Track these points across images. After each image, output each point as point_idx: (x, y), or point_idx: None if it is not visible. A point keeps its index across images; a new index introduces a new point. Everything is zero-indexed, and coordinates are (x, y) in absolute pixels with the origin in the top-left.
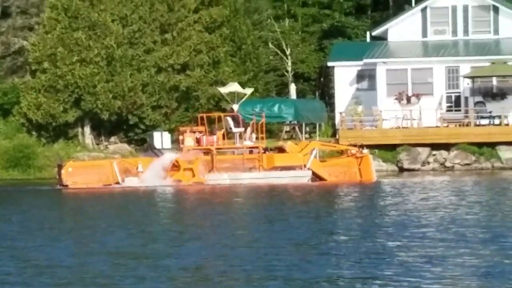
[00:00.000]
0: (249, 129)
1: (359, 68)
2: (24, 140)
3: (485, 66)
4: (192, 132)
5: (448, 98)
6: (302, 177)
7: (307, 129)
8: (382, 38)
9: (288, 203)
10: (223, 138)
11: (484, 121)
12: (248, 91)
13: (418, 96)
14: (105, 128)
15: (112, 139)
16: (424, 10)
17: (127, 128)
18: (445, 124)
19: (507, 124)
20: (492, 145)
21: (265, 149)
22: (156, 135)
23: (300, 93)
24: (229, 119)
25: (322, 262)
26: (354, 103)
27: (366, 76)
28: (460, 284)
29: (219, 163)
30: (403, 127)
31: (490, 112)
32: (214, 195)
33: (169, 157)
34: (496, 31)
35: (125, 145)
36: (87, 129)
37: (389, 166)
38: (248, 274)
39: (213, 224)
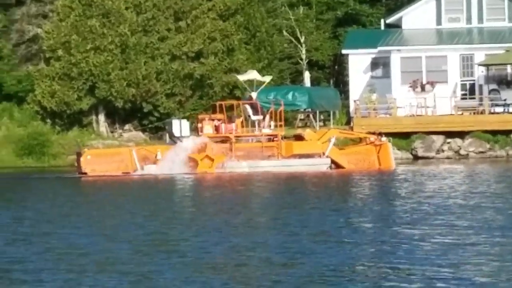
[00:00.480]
0: (267, 117)
1: (374, 56)
2: (38, 128)
3: (499, 53)
4: (210, 120)
5: (463, 86)
6: (320, 165)
7: (321, 117)
8: (397, 25)
9: (308, 190)
10: (242, 126)
11: (499, 109)
12: (267, 78)
13: (432, 84)
14: (119, 116)
15: (127, 127)
16: None
17: (141, 116)
18: (460, 112)
19: None
20: (507, 133)
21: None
22: (175, 122)
23: (315, 81)
24: (248, 106)
25: (345, 249)
26: (369, 91)
27: (380, 64)
28: (483, 270)
29: (238, 150)
30: (417, 115)
31: (504, 100)
32: (233, 183)
33: (186, 144)
34: (510, 19)
35: (140, 133)
36: (101, 117)
37: (403, 154)
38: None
39: (232, 211)
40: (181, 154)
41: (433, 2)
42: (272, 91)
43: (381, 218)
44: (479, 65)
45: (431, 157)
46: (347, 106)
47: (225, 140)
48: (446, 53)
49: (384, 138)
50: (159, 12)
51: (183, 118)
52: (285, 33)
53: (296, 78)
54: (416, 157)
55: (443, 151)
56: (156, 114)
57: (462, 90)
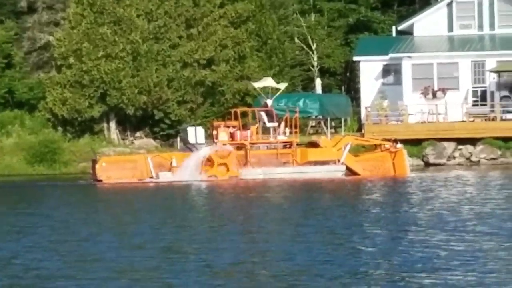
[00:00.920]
0: (282, 124)
1: (385, 62)
2: (49, 135)
3: (511, 60)
4: (226, 127)
5: (474, 93)
6: (336, 172)
7: (333, 124)
8: (408, 32)
9: (325, 197)
10: (257, 133)
11: (510, 116)
12: (282, 85)
13: (444, 90)
14: (130, 123)
15: (138, 134)
16: (450, 4)
17: (152, 123)
18: (471, 119)
19: None
20: None
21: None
22: (190, 130)
23: (326, 88)
24: (263, 113)
25: (367, 254)
26: (380, 97)
27: (392, 70)
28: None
29: (253, 157)
30: (428, 122)
31: None
32: (249, 190)
33: (203, 152)
34: None
35: (151, 140)
36: (113, 124)
37: (414, 160)
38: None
39: (249, 218)
40: (196, 161)
41: (444, 9)
42: (283, 98)
43: (401, 224)
44: (491, 71)
45: (442, 163)
46: (359, 113)
47: (240, 147)
48: (458, 60)
49: (399, 145)
50: (170, 20)
51: (194, 125)
52: (296, 40)
53: (308, 85)
54: (427, 164)
55: (454, 157)
56: (168, 121)
57: (473, 96)
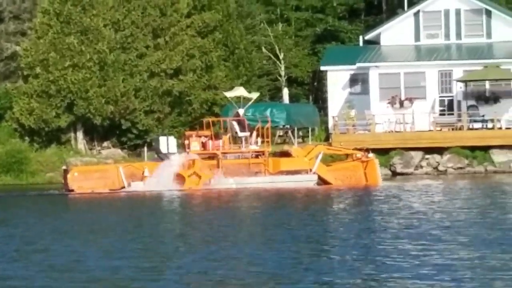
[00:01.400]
0: (254, 133)
1: (352, 72)
2: (16, 145)
3: (478, 70)
4: (198, 137)
5: (441, 102)
6: (308, 181)
7: (300, 133)
8: (375, 42)
9: (296, 207)
10: (229, 143)
11: (477, 125)
12: (254, 95)
13: (411, 100)
14: (97, 133)
15: (105, 144)
16: (416, 14)
17: (119, 133)
18: (438, 128)
19: (500, 128)
20: (485, 148)
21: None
22: (162, 139)
23: (294, 98)
24: (235, 123)
25: (336, 262)
26: (347, 107)
27: (359, 80)
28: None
29: (225, 167)
30: (396, 131)
31: (483, 116)
32: (220, 200)
33: (175, 161)
34: (488, 35)
35: (118, 150)
36: (80, 134)
37: (382, 170)
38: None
39: (222, 228)
40: (168, 171)
41: (411, 19)
42: (250, 107)
43: (371, 233)
44: (458, 81)
45: (410, 173)
46: (326, 123)
47: (212, 156)
48: (425, 69)
49: (371, 155)
50: (137, 30)
51: (162, 135)
52: (264, 49)
53: (275, 94)
54: (394, 173)
55: (421, 167)
56: (135, 131)
57: (440, 106)
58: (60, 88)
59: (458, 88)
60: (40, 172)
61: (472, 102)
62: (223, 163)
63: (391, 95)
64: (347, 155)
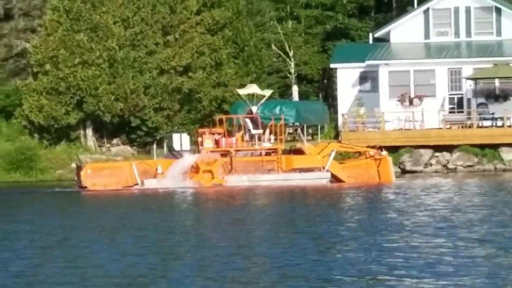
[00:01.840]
0: (267, 131)
1: (362, 69)
2: (26, 143)
3: (487, 67)
4: (211, 134)
5: (451, 100)
6: (321, 179)
7: (310, 131)
8: (385, 39)
9: (309, 204)
10: (242, 140)
11: (487, 123)
12: (267, 92)
13: (420, 97)
14: (107, 130)
15: (115, 141)
16: (426, 11)
17: (129, 130)
18: (448, 126)
19: (510, 126)
20: (495, 146)
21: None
22: (175, 136)
23: (303, 95)
24: (248, 120)
25: (353, 260)
26: (357, 104)
27: (368, 77)
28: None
29: (238, 164)
30: (405, 129)
31: (492, 114)
32: (233, 197)
33: (188, 159)
34: (498, 33)
35: (128, 147)
36: (89, 131)
37: None
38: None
39: (230, 225)
40: (182, 168)
41: (421, 16)
42: (259, 105)
43: (388, 229)
44: (467, 79)
45: (419, 171)
46: (336, 120)
47: (225, 154)
48: (434, 67)
49: (384, 152)
50: (147, 27)
51: (175, 132)
52: (273, 47)
53: (285, 92)
54: (404, 171)
55: (431, 165)
56: (144, 128)
57: (450, 104)
58: (70, 85)
59: (467, 86)
60: (50, 169)
61: (481, 100)
62: (236, 161)
63: (401, 93)
64: (360, 153)
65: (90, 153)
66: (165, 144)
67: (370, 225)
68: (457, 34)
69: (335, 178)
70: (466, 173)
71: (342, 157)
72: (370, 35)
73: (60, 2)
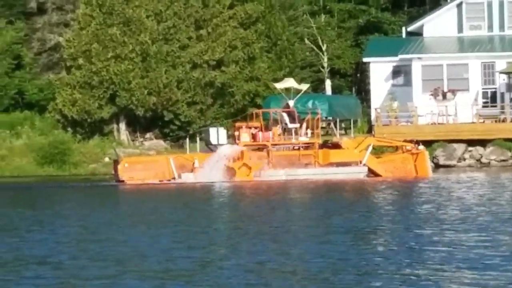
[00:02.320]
0: (304, 125)
1: (395, 64)
2: (59, 137)
3: None
4: (248, 128)
5: (484, 94)
6: (358, 173)
7: (343, 125)
8: (418, 33)
9: (347, 198)
10: (279, 134)
11: None
12: (304, 86)
13: (453, 92)
14: (140, 125)
15: (148, 135)
16: (459, 5)
17: (162, 124)
18: (481, 120)
19: None
20: None
21: (323, 145)
22: (212, 130)
23: (337, 89)
24: (285, 114)
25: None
26: (390, 99)
27: (401, 72)
28: None
29: (275, 158)
30: (438, 123)
31: None
32: (271, 191)
33: (224, 152)
34: None
35: (161, 141)
36: (122, 126)
37: None
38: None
39: (271, 219)
40: (218, 162)
41: (454, 10)
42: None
43: (429, 224)
44: (501, 73)
45: (453, 165)
46: (369, 114)
47: (261, 148)
48: (468, 61)
49: (421, 147)
50: (180, 21)
51: (211, 126)
52: (306, 41)
53: (318, 86)
54: (437, 166)
55: (464, 159)
56: (177, 122)
57: (483, 98)
58: (103, 79)
59: (501, 80)
60: (83, 163)
61: None
62: (273, 155)
63: (434, 87)
64: (397, 147)
65: (123, 147)
66: (197, 138)
67: (411, 219)
68: (490, 28)
69: (372, 173)
70: (500, 168)
71: (375, 151)
72: (403, 29)
73: None
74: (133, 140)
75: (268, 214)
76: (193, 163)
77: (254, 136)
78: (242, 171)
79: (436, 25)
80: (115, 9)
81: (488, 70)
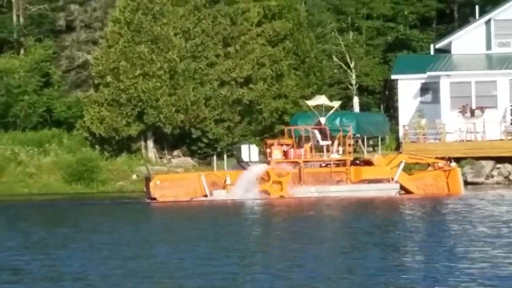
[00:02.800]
0: (336, 142)
1: (423, 81)
2: (87, 154)
3: None
4: (279, 145)
5: None
6: (390, 190)
7: (371, 142)
8: (446, 50)
9: (380, 215)
10: (311, 151)
11: None
12: (336, 104)
13: (482, 109)
14: (168, 142)
15: (175, 152)
16: (488, 22)
17: (190, 141)
18: (509, 137)
19: None
20: None
21: (352, 162)
22: (244, 147)
23: (365, 106)
24: (317, 132)
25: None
26: (418, 116)
27: (430, 89)
28: None
29: (307, 175)
30: (466, 140)
31: None
32: (303, 208)
33: (257, 169)
34: None
35: (188, 159)
36: (150, 143)
37: None
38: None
39: (302, 238)
40: (250, 179)
41: (482, 27)
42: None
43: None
44: None
45: (481, 182)
46: (397, 132)
47: (293, 165)
48: (496, 78)
49: (453, 164)
50: (207, 38)
51: (231, 144)
52: (334, 58)
53: (346, 103)
54: (465, 183)
55: (492, 176)
56: (205, 140)
57: (511, 115)
58: (131, 97)
59: None
60: (111, 180)
61: None
62: (304, 172)
63: (462, 104)
64: (428, 164)
65: (151, 165)
66: (225, 155)
67: (444, 236)
68: None
69: (404, 190)
70: None
71: (405, 168)
72: (432, 46)
73: (121, 14)
74: (160, 158)
75: (300, 231)
76: (225, 180)
77: (286, 153)
78: (274, 188)
79: (465, 42)
80: (143, 27)
81: None
